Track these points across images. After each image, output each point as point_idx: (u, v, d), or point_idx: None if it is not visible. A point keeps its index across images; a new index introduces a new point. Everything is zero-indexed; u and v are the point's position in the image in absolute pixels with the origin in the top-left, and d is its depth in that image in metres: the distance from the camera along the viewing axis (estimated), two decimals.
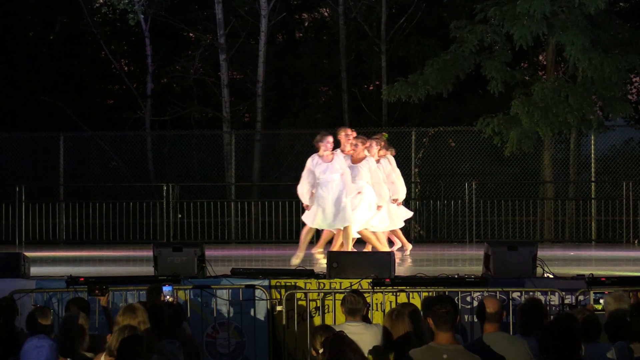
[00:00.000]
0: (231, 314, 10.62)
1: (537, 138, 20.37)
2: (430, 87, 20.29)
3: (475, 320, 8.52)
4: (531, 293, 9.98)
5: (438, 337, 6.57)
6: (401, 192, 14.25)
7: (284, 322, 10.51)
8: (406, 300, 10.01)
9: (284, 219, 20.01)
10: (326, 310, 10.47)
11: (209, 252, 11.64)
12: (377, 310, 10.37)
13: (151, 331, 6.93)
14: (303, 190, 13.10)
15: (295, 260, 12.89)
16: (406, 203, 14.41)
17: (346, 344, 6.22)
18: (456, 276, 10.89)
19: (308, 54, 27.53)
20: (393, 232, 14.28)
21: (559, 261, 13.76)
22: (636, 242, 19.34)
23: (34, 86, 26.55)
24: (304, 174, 13.14)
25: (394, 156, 14.51)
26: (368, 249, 13.42)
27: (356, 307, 8.12)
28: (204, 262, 11.11)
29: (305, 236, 13.20)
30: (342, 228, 12.97)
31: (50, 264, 14.29)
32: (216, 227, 20.55)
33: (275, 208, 20.21)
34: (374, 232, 13.45)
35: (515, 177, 21.51)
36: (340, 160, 13.15)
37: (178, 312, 8.57)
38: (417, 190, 21.06)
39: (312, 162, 13.09)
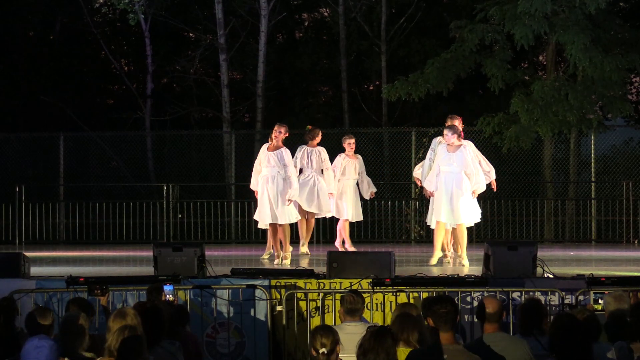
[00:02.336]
0: (231, 314, 10.62)
1: (537, 137, 20.37)
2: (430, 85, 20.30)
3: (475, 320, 8.53)
4: (531, 293, 9.97)
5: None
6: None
7: (284, 322, 10.51)
8: (406, 300, 10.02)
9: None
10: (326, 310, 10.47)
11: (209, 252, 11.63)
12: (377, 310, 10.37)
13: (146, 333, 6.91)
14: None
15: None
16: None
17: (381, 342, 6.22)
18: (456, 276, 10.89)
19: (308, 54, 27.53)
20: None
21: (559, 261, 13.75)
22: (636, 242, 19.33)
23: (34, 86, 26.54)
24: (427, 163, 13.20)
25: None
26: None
27: (355, 307, 8.14)
28: (204, 262, 11.11)
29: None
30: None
31: (50, 264, 14.28)
32: (216, 227, 20.53)
33: None
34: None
35: (515, 177, 21.50)
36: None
37: (181, 314, 8.59)
38: (417, 190, 21.05)
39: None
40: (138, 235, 20.31)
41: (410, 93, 20.44)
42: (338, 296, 10.18)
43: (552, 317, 8.24)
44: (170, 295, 8.95)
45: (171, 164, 23.90)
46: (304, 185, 14.01)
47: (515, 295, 10.16)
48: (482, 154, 14.01)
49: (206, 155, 23.81)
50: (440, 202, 12.86)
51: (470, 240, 14.09)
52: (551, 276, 10.70)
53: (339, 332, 6.64)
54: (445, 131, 12.95)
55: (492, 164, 14.20)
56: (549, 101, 19.47)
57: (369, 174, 15.05)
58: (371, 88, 28.06)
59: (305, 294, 10.54)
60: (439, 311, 6.75)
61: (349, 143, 14.69)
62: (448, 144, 12.92)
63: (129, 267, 14.37)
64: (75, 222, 20.51)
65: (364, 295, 9.41)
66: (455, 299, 10.10)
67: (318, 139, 14.42)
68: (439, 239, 13.10)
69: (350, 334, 7.39)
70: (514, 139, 19.83)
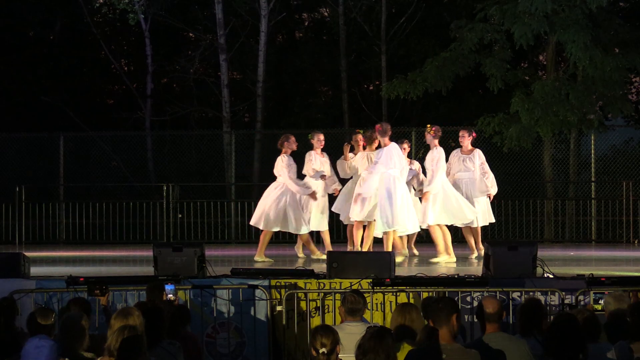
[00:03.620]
0: (231, 314, 10.62)
1: (537, 137, 20.38)
2: (429, 84, 20.30)
3: (475, 320, 8.53)
4: (531, 293, 9.98)
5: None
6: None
7: (284, 322, 10.51)
8: (406, 300, 10.02)
9: None
10: (326, 310, 10.47)
11: (209, 252, 11.63)
12: (377, 310, 10.37)
13: (147, 333, 6.92)
14: None
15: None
16: None
17: (381, 343, 6.21)
18: (456, 276, 10.89)
19: (308, 54, 27.53)
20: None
21: (559, 261, 13.76)
22: (636, 242, 19.33)
23: (34, 86, 26.54)
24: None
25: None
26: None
27: (356, 307, 8.13)
28: (204, 262, 11.10)
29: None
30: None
31: (50, 264, 14.28)
32: (216, 227, 20.53)
33: None
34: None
35: (515, 176, 21.50)
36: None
37: (182, 313, 8.59)
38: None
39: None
40: (138, 235, 20.31)
41: (409, 92, 20.45)
42: (338, 296, 10.20)
43: (552, 317, 8.24)
44: (172, 295, 8.95)
45: (171, 164, 23.90)
46: None
47: (515, 295, 10.16)
48: (483, 153, 14.28)
49: (206, 155, 23.81)
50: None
51: None
52: (551, 276, 10.70)
53: (339, 332, 6.64)
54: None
55: (492, 164, 14.51)
56: (549, 101, 19.46)
57: None
58: (371, 88, 28.06)
59: (305, 294, 10.54)
60: (436, 307, 6.79)
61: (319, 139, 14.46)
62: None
63: (129, 267, 14.37)
64: (75, 222, 20.51)
65: (364, 295, 9.40)
66: (455, 299, 10.11)
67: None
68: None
69: (351, 334, 7.39)
70: (514, 138, 19.83)
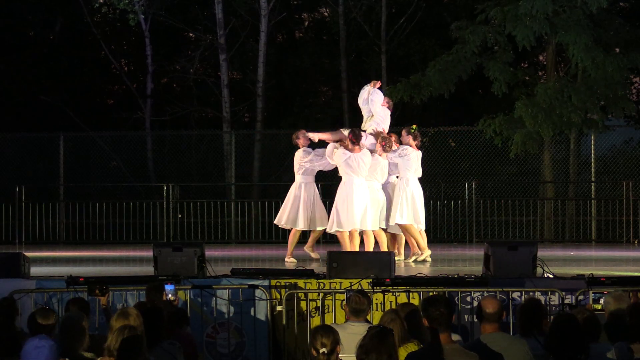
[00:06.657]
0: (231, 314, 10.62)
1: (538, 137, 20.39)
2: (432, 88, 20.28)
3: (476, 320, 8.53)
4: (531, 293, 9.98)
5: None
6: None
7: (284, 322, 10.51)
8: (406, 300, 10.02)
9: None
10: (326, 310, 10.47)
11: (209, 252, 11.63)
12: (377, 310, 10.37)
13: (147, 333, 6.92)
14: None
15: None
16: None
17: (383, 343, 6.20)
18: (456, 276, 10.89)
19: (308, 54, 27.53)
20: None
21: (559, 261, 13.76)
22: (636, 242, 19.33)
23: (34, 86, 26.53)
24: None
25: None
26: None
27: (361, 308, 8.10)
28: (204, 262, 11.10)
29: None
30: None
31: (50, 264, 14.29)
32: (216, 227, 20.54)
33: (275, 208, 20.11)
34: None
35: (515, 177, 21.51)
36: None
37: (180, 316, 8.59)
38: None
39: None
40: (138, 235, 20.32)
41: (413, 96, 20.44)
42: (338, 296, 10.20)
43: (552, 317, 8.24)
44: (171, 295, 8.94)
45: (171, 164, 23.91)
46: None
47: (515, 295, 10.16)
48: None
49: (206, 155, 23.82)
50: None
51: (470, 240, 14.21)
52: (551, 276, 10.71)
53: (342, 331, 6.63)
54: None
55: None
56: (552, 103, 19.42)
57: None
58: None
59: (305, 294, 10.54)
60: (433, 313, 6.78)
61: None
62: None
63: (129, 267, 14.37)
64: (75, 222, 20.52)
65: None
66: (455, 299, 10.12)
67: None
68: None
69: (353, 334, 7.36)
70: (520, 144, 19.80)
